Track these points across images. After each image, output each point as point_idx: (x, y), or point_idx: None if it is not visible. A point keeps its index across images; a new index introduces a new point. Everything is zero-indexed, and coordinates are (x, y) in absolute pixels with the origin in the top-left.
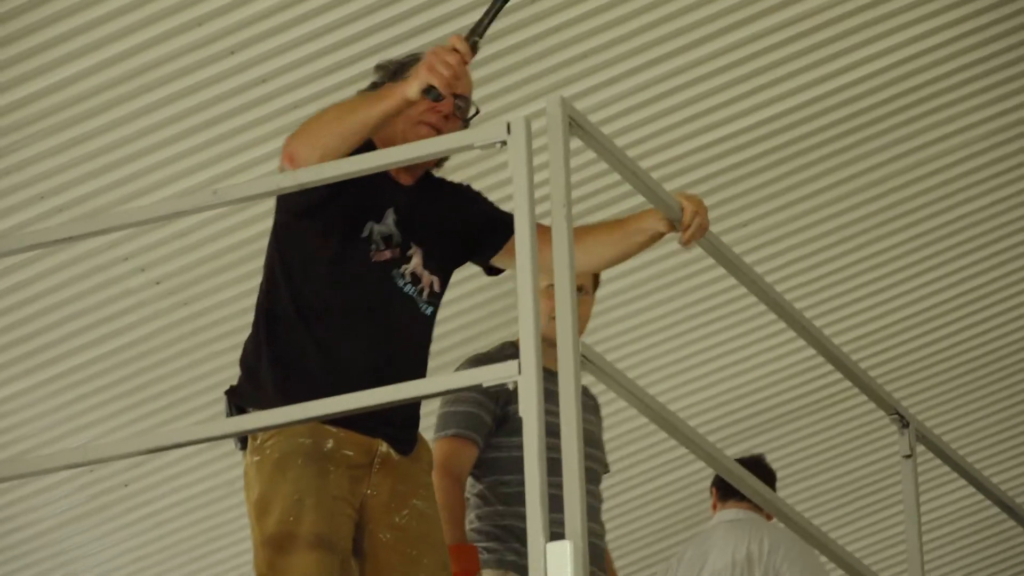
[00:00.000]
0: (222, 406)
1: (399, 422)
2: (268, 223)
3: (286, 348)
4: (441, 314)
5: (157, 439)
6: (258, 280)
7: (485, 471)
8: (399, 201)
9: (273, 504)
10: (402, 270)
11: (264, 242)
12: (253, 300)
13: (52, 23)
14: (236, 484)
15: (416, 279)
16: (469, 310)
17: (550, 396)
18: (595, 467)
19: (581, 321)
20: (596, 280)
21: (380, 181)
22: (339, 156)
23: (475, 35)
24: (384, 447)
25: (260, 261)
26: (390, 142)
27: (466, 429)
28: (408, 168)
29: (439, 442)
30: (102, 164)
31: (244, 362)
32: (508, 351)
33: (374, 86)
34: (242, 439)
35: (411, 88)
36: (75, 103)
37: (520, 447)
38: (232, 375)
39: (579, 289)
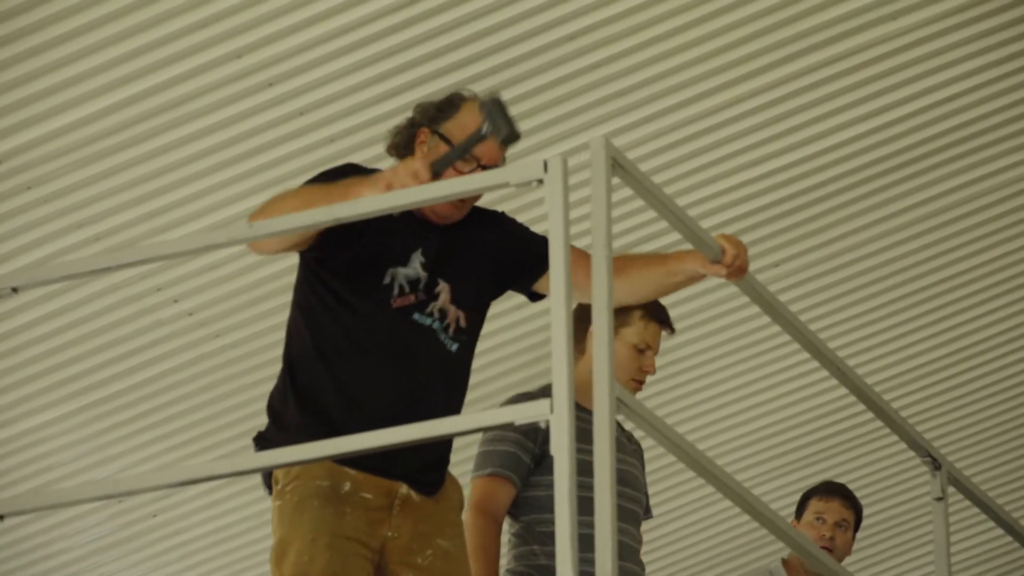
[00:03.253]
0: (251, 438)
1: (422, 464)
2: None
3: (309, 391)
4: (481, 348)
5: (187, 472)
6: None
7: (523, 510)
8: (430, 241)
9: (290, 546)
10: (429, 309)
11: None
12: (285, 332)
13: (91, 53)
14: (264, 516)
15: (443, 315)
16: (506, 344)
17: (585, 435)
18: (635, 508)
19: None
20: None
21: (409, 222)
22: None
23: (440, 166)
24: (404, 489)
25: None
26: None
27: (503, 468)
28: (440, 214)
29: (476, 481)
30: (138, 194)
31: (271, 407)
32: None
33: (412, 124)
34: (268, 484)
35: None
36: (112, 133)
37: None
38: (262, 407)
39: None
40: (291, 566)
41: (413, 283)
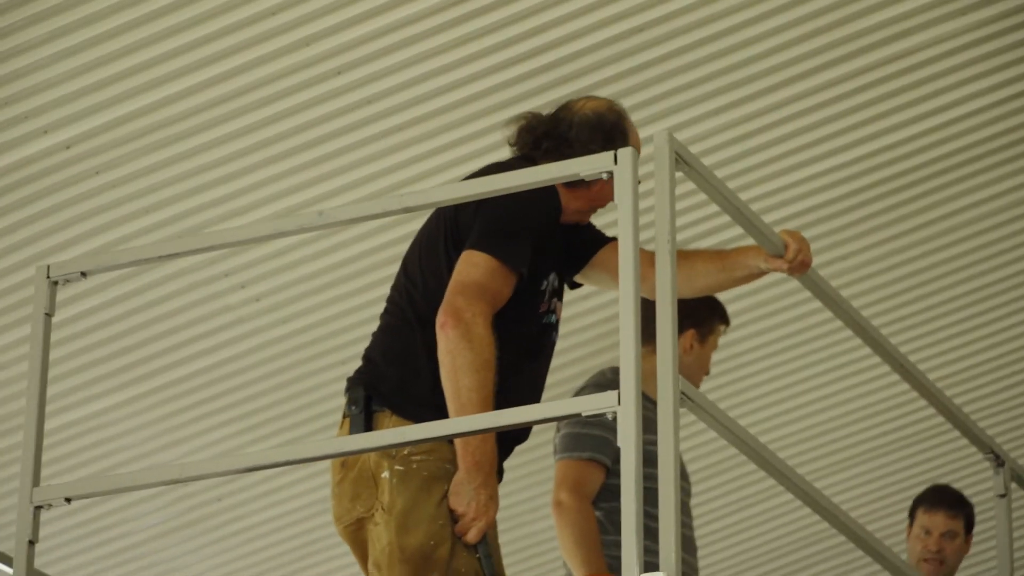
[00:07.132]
0: (318, 424)
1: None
2: (371, 243)
3: None
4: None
5: (252, 459)
6: (358, 300)
7: (604, 496)
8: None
9: (418, 522)
10: (552, 307)
11: (367, 261)
12: (352, 320)
13: (163, 38)
14: (329, 502)
15: (555, 311)
16: (571, 334)
17: (651, 425)
18: (686, 500)
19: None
20: None
21: (557, 232)
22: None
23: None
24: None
25: (361, 281)
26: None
27: (600, 453)
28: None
29: (571, 463)
30: (207, 180)
31: (382, 364)
32: None
33: (534, 136)
34: (367, 418)
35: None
36: (182, 119)
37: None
38: (327, 393)
39: None
40: (417, 545)
41: (553, 288)
